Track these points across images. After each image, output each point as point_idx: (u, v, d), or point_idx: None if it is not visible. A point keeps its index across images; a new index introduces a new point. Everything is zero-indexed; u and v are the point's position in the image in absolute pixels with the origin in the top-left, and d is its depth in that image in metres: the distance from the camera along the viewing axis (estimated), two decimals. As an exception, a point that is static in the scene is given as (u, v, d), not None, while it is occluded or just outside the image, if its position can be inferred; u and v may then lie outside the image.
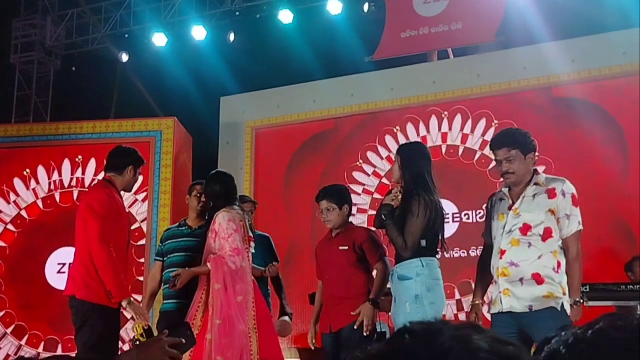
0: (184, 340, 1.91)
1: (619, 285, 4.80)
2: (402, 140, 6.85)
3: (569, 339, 0.87)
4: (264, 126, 7.65)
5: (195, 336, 2.05)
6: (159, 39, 8.53)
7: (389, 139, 7.02)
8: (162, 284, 4.56)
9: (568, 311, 3.26)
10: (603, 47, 6.32)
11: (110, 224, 3.95)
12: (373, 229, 4.24)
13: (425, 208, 3.55)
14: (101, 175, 7.03)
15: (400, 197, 3.70)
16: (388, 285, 3.95)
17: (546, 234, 3.33)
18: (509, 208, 3.41)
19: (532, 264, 3.32)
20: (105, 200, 4.03)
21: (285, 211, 7.27)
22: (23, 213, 7.27)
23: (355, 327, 3.81)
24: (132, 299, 3.91)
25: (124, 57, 8.90)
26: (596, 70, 6.31)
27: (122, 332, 5.23)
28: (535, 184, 3.40)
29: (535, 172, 3.44)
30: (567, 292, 3.28)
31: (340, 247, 4.07)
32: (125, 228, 4.13)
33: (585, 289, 4.60)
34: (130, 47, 9.08)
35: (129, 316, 5.02)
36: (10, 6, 9.24)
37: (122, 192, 4.24)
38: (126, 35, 8.99)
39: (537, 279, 3.30)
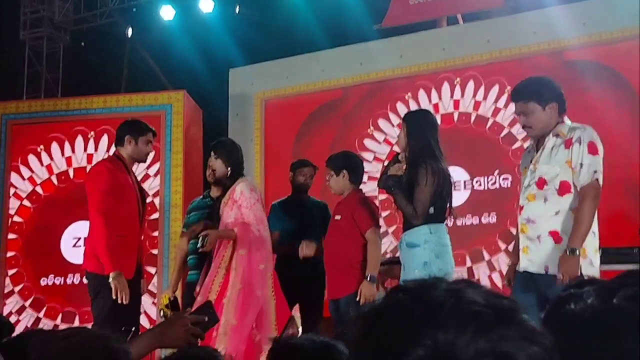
0: (206, 318, 1.93)
1: (632, 249, 4.78)
2: (414, 107, 6.81)
3: (590, 304, 0.83)
4: (273, 97, 7.64)
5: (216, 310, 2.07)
6: (167, 12, 8.49)
7: (400, 107, 6.98)
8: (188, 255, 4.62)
9: (592, 274, 3.06)
10: (614, 10, 6.22)
11: (108, 197, 3.99)
12: (371, 195, 4.26)
13: (433, 175, 3.52)
14: (112, 150, 7.14)
15: (404, 166, 3.69)
16: (398, 254, 3.96)
17: (563, 189, 3.15)
18: (531, 161, 3.30)
19: (549, 221, 3.16)
20: (103, 174, 4.10)
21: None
22: (38, 189, 7.35)
23: (360, 303, 3.79)
24: (120, 273, 3.88)
25: (129, 32, 8.88)
26: (607, 33, 6.21)
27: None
28: (556, 135, 3.24)
29: (561, 122, 3.27)
30: (587, 255, 3.09)
31: (335, 217, 4.07)
32: (130, 201, 4.15)
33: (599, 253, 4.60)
34: (138, 21, 9.06)
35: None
36: (18, -18, 9.23)
37: (134, 168, 4.27)
38: (134, 9, 8.95)
39: (555, 237, 3.14)
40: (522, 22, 6.62)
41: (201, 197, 4.89)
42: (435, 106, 6.74)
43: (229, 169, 4.20)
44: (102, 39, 9.21)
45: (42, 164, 7.37)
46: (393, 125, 6.98)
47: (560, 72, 6.41)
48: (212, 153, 4.39)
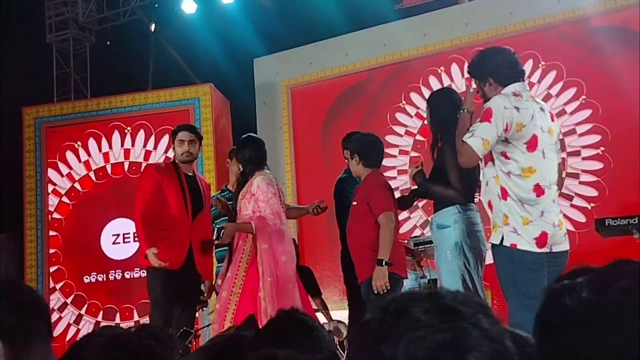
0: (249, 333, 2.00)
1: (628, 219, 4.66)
2: (447, 81, 6.80)
3: (586, 298, 0.80)
4: (298, 84, 7.67)
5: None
6: (189, 6, 8.54)
7: (433, 80, 6.95)
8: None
9: (513, 244, 3.10)
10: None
11: (148, 197, 4.34)
12: (386, 177, 4.30)
13: (455, 155, 3.54)
14: (149, 146, 7.29)
15: (422, 162, 3.76)
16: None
17: (486, 158, 3.23)
18: None
19: (485, 192, 3.29)
20: (142, 177, 4.59)
21: (325, 167, 7.32)
22: (77, 185, 7.51)
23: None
24: (153, 249, 4.15)
25: (153, 28, 8.97)
26: (633, -3, 6.11)
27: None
28: None
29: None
30: (510, 223, 3.13)
31: (353, 202, 4.06)
32: (173, 200, 4.35)
33: (635, 221, 4.54)
34: (161, 17, 9.12)
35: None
36: (41, -14, 9.35)
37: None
38: (156, 5, 9.02)
39: (490, 206, 3.26)
40: (545, -9, 6.54)
41: (219, 191, 5.01)
42: (468, 80, 6.69)
43: (241, 166, 4.28)
44: (127, 36, 9.31)
45: (80, 160, 7.52)
46: (424, 99, 6.96)
47: (587, 40, 6.34)
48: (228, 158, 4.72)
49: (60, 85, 9.41)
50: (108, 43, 9.47)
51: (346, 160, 4.51)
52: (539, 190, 3.15)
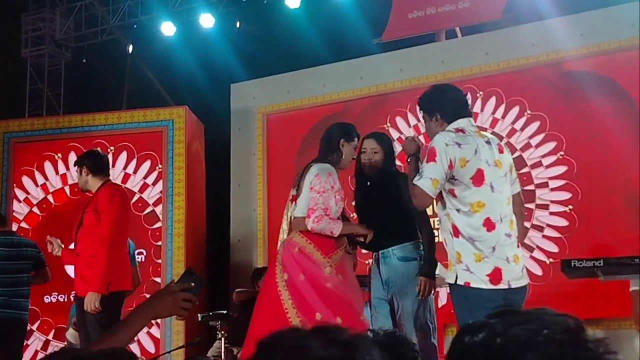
0: (192, 284, 1.95)
1: (633, 258, 4.77)
2: (413, 121, 6.86)
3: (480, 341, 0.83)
4: (274, 111, 7.69)
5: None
6: (168, 29, 8.56)
7: (399, 121, 7.03)
8: None
9: (467, 282, 3.08)
10: (611, 21, 6.28)
11: None
12: None
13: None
14: (118, 166, 7.21)
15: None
16: None
17: (436, 197, 3.22)
18: None
19: (441, 231, 3.29)
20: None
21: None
22: (50, 198, 7.38)
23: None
24: None
25: (130, 49, 8.96)
26: (605, 43, 6.27)
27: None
28: None
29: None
30: (463, 260, 3.11)
31: None
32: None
33: (599, 263, 4.60)
34: (139, 38, 9.12)
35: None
36: (19, 0, 9.30)
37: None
38: (135, 26, 9.02)
39: (445, 244, 3.26)
40: (521, 34, 6.68)
41: None
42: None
43: None
44: (104, 55, 9.28)
45: (57, 173, 7.41)
46: (393, 140, 7.01)
47: (559, 83, 6.47)
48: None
49: (33, 100, 9.31)
50: (84, 61, 9.42)
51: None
52: (489, 224, 3.11)
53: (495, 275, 3.08)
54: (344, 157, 3.79)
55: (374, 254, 3.95)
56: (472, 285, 3.08)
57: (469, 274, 3.09)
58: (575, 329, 0.81)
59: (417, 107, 3.48)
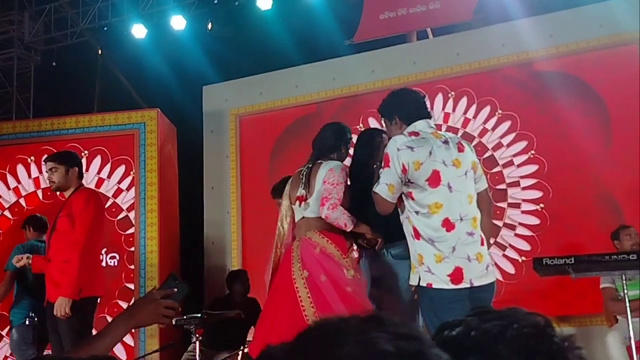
0: (175, 290, 1.92)
1: (604, 256, 4.82)
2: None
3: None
4: (247, 113, 7.67)
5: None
6: (139, 31, 8.49)
7: (372, 122, 7.05)
8: None
9: (429, 283, 3.10)
10: (579, 21, 6.36)
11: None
12: None
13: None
14: (91, 172, 7.12)
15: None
16: None
17: (398, 201, 3.27)
18: None
19: (406, 234, 3.31)
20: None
21: (271, 197, 7.30)
22: (7, 213, 7.26)
23: None
24: None
25: (101, 51, 8.88)
26: (574, 43, 6.35)
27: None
28: None
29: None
30: (425, 262, 3.13)
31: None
32: None
33: (571, 261, 4.65)
34: (109, 40, 9.04)
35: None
36: (-13, 3, 9.17)
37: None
38: (105, 28, 8.93)
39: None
40: (491, 34, 6.73)
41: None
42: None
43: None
44: (74, 58, 9.18)
45: (8, 188, 7.29)
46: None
47: (529, 83, 6.54)
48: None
49: (2, 104, 9.19)
50: (54, 64, 9.31)
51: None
52: (448, 225, 3.13)
53: (456, 275, 3.10)
54: (344, 156, 3.89)
55: (364, 251, 3.93)
56: (434, 286, 3.10)
57: (430, 275, 3.11)
58: (542, 325, 0.87)
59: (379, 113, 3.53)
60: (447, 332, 0.89)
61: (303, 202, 3.74)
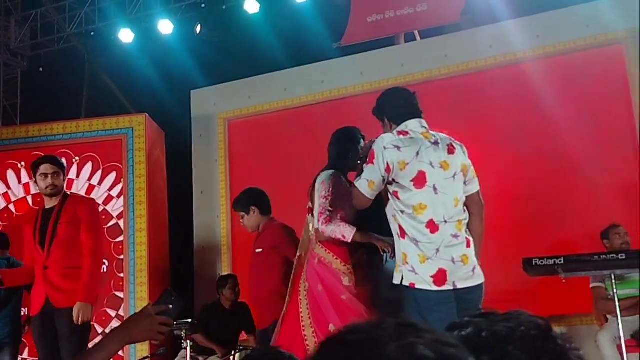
0: (170, 306, 1.92)
1: (593, 255, 4.82)
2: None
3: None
4: (236, 117, 7.64)
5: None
6: (126, 35, 8.45)
7: (361, 124, 7.04)
8: None
9: (412, 283, 3.08)
10: (566, 22, 6.39)
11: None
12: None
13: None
14: (81, 178, 7.08)
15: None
16: None
17: (384, 199, 3.27)
18: None
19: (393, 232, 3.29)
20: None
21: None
22: (11, 207, 7.21)
23: None
24: None
25: (88, 56, 8.84)
26: (561, 44, 6.38)
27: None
28: None
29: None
30: (409, 262, 3.11)
31: (257, 250, 4.60)
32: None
33: (560, 261, 4.65)
34: (97, 45, 9.00)
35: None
36: (-28, 9, 9.11)
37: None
38: (92, 33, 8.89)
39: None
40: (478, 36, 6.75)
41: None
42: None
43: None
44: (61, 64, 9.13)
45: (20, 181, 7.25)
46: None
47: (517, 84, 6.55)
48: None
49: (-12, 110, 9.13)
50: (41, 69, 9.25)
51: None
52: (432, 226, 3.11)
53: (440, 277, 3.07)
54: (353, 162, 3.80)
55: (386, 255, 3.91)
56: (417, 286, 3.08)
57: (414, 275, 3.09)
58: (545, 327, 0.95)
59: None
60: (457, 332, 0.94)
61: (311, 214, 3.76)
